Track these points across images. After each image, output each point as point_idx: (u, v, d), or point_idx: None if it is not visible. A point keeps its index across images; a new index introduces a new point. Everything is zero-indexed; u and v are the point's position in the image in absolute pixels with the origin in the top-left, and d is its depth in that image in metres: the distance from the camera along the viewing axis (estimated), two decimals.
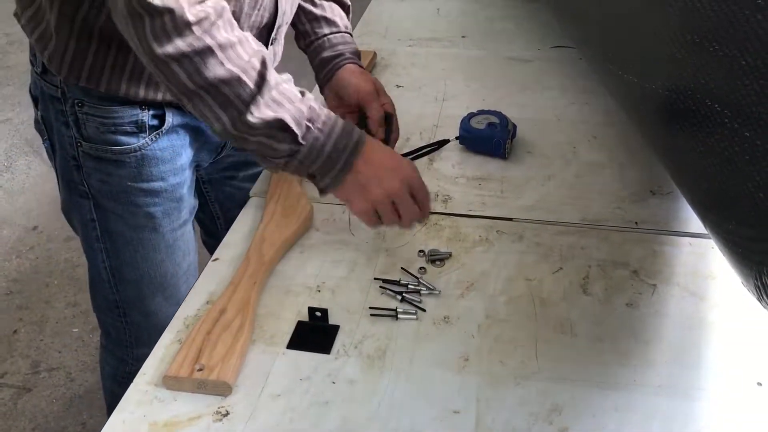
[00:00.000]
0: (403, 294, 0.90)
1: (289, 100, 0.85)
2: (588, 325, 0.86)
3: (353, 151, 0.88)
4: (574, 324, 0.86)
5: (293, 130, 0.84)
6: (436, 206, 1.06)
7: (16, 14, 0.99)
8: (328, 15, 1.14)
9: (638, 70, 0.84)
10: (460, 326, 0.86)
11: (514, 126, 1.19)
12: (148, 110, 0.98)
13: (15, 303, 2.12)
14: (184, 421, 0.75)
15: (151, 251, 1.07)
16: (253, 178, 1.21)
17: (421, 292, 0.90)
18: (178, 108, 1.00)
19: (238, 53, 0.82)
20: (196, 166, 1.13)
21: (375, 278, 0.93)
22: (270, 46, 1.04)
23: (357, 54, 1.15)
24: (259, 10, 0.96)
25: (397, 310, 0.87)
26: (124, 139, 0.98)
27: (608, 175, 1.13)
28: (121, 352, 1.18)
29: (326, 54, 1.13)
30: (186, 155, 1.05)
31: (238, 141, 0.86)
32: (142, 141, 0.99)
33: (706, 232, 0.81)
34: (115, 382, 1.21)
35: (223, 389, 0.77)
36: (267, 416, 0.75)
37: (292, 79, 0.88)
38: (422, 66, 1.48)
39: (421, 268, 0.94)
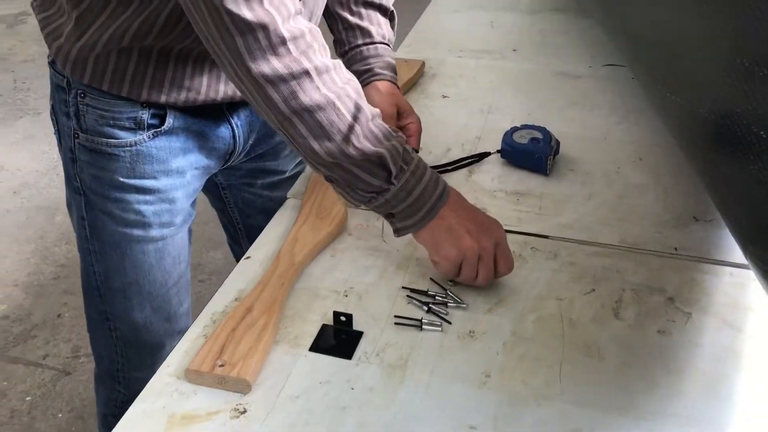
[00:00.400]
0: (430, 305, 0.89)
1: (385, 137, 0.84)
2: (617, 350, 0.83)
3: (439, 199, 0.88)
4: (603, 347, 0.84)
5: (390, 168, 0.84)
6: None
7: (31, 4, 1.01)
8: (364, 24, 1.12)
9: (687, 92, 0.82)
10: (484, 342, 0.85)
11: (558, 142, 1.17)
12: (149, 109, 0.97)
13: (61, 287, 2.18)
14: (202, 416, 0.76)
15: (139, 254, 1.04)
16: (271, 186, 1.21)
17: (448, 304, 0.90)
18: (182, 110, 0.99)
19: (333, 79, 0.81)
20: (213, 176, 1.13)
21: (403, 287, 0.92)
22: None
23: (391, 68, 1.12)
24: None
25: (422, 320, 0.87)
26: (121, 133, 0.97)
27: (651, 198, 1.10)
28: (111, 382, 1.15)
29: (356, 67, 1.11)
30: (184, 159, 1.03)
31: (328, 168, 0.85)
32: (138, 137, 0.98)
33: (747, 262, 0.78)
34: (109, 413, 1.19)
35: (242, 387, 0.77)
36: (284, 417, 0.75)
37: (381, 114, 0.88)
38: (470, 77, 1.47)
39: (450, 280, 0.93)
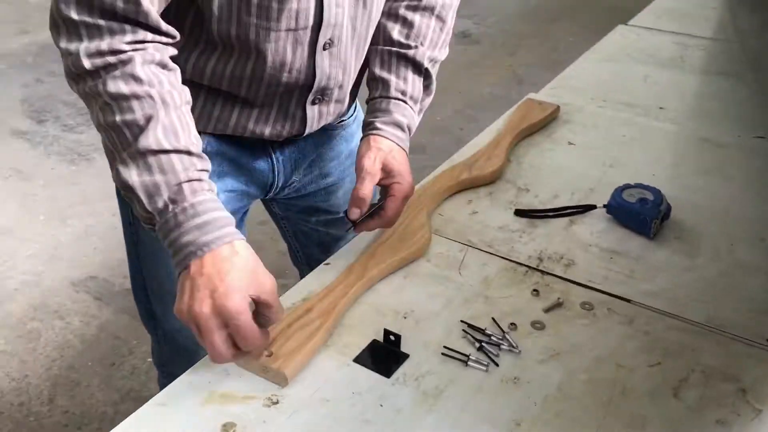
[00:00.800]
0: (483, 343, 0.89)
1: (161, 171, 0.78)
2: (662, 430, 0.79)
3: (195, 251, 0.78)
4: (649, 424, 0.79)
5: (142, 201, 0.79)
6: (555, 268, 1.03)
7: None
8: (386, 76, 1.04)
9: None
10: (526, 390, 0.83)
11: (669, 207, 1.12)
12: None
13: None
14: (239, 398, 0.81)
15: (172, 267, 1.03)
16: (327, 224, 1.22)
17: (501, 346, 0.89)
18: (218, 137, 1.01)
19: (132, 106, 0.78)
20: (267, 201, 1.14)
21: (462, 320, 0.93)
22: (313, 106, 1.01)
23: (396, 125, 1.02)
24: (290, 73, 0.94)
25: (470, 356, 0.87)
26: None
27: (758, 283, 1.02)
28: (158, 370, 1.22)
29: (365, 118, 1.07)
30: (220, 183, 1.02)
31: (123, 188, 0.81)
32: None
33: None
34: None
35: (280, 379, 0.82)
36: (309, 416, 0.79)
37: (201, 155, 0.82)
38: (603, 128, 1.44)
39: (511, 323, 0.93)
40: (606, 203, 1.14)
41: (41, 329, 2.09)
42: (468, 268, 1.03)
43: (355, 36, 0.98)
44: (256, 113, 0.99)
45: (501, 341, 0.89)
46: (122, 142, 0.79)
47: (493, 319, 0.93)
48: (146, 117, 0.78)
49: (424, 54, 1.05)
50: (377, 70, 1.05)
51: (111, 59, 0.78)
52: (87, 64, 0.78)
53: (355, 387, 0.83)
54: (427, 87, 1.07)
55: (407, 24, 1.05)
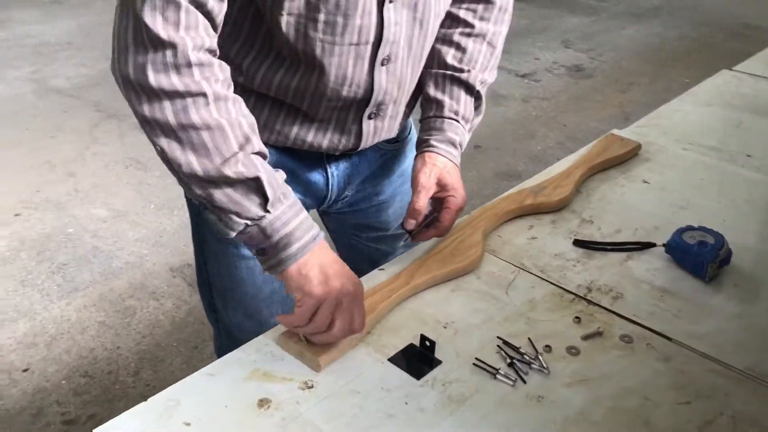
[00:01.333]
0: (515, 360, 0.92)
1: (267, 170, 0.86)
2: None
3: (313, 239, 0.89)
4: None
5: (266, 194, 0.85)
6: (602, 299, 1.05)
7: None
8: (441, 97, 1.11)
9: None
10: (548, 410, 0.86)
11: (730, 252, 1.11)
12: None
13: None
14: (278, 378, 0.89)
15: (232, 267, 1.12)
16: (376, 240, 1.26)
17: (532, 365, 0.92)
18: (278, 149, 1.06)
19: (229, 108, 0.84)
20: (321, 213, 1.19)
21: (498, 336, 0.97)
22: (369, 120, 1.06)
23: (450, 143, 1.09)
24: (350, 86, 1.00)
25: (499, 370, 0.91)
26: None
27: None
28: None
29: (419, 136, 1.13)
30: None
31: (202, 187, 0.85)
32: None
33: None
34: None
35: (314, 365, 0.89)
36: (338, 403, 0.85)
37: (282, 175, 0.90)
38: (682, 170, 1.43)
39: (546, 346, 0.96)
40: (665, 242, 1.15)
41: (137, 307, 2.27)
42: (516, 289, 1.07)
43: (411, 54, 1.04)
44: (316, 126, 1.05)
45: (533, 360, 0.93)
46: (226, 142, 0.84)
47: (529, 339, 0.96)
48: (249, 123, 0.87)
49: (476, 77, 1.12)
50: (432, 92, 1.11)
51: (215, 61, 0.85)
52: (194, 58, 0.82)
53: (385, 384, 0.89)
54: (477, 107, 1.14)
55: (461, 49, 1.12)
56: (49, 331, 2.15)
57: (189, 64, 0.82)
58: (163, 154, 0.85)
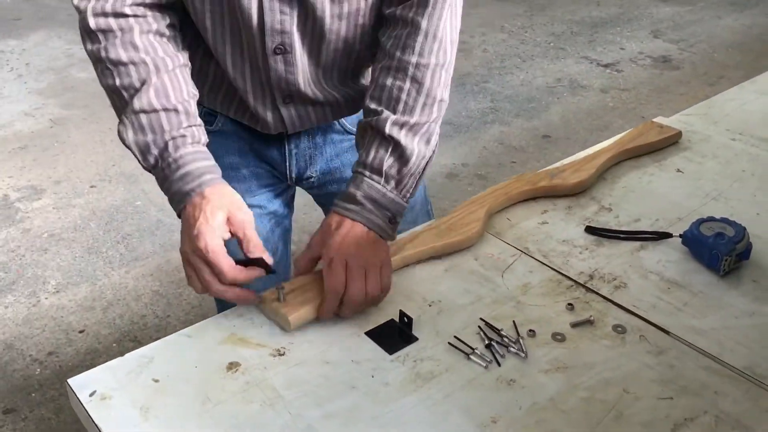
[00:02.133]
0: (493, 342, 0.90)
1: (152, 130, 0.93)
2: None
3: (181, 200, 0.94)
4: None
5: (138, 158, 0.94)
6: (603, 288, 1.01)
7: None
8: (359, 148, 1.02)
9: None
10: (517, 394, 0.83)
11: (750, 245, 1.03)
12: (203, 107, 1.12)
13: None
14: (252, 344, 0.90)
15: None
16: None
17: (510, 349, 0.89)
18: (230, 119, 1.12)
19: (129, 71, 0.93)
20: (298, 179, 1.20)
21: (481, 318, 0.94)
22: (286, 106, 1.07)
23: (350, 198, 0.96)
24: (244, 72, 1.04)
25: (475, 350, 0.89)
26: None
27: None
28: None
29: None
30: (239, 158, 1.14)
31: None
32: None
33: None
34: None
35: (285, 324, 0.91)
36: (307, 371, 0.86)
37: (189, 113, 0.95)
38: (724, 160, 1.34)
39: (530, 330, 0.93)
40: (682, 233, 1.08)
41: None
42: (513, 272, 1.04)
43: (306, 47, 1.02)
44: (251, 107, 1.08)
45: (512, 344, 0.90)
46: (120, 104, 0.94)
47: (513, 322, 0.94)
48: (140, 81, 0.92)
49: (388, 120, 0.96)
50: (357, 138, 1.03)
51: (113, 24, 0.93)
52: (92, 23, 0.92)
53: (357, 356, 0.89)
54: (399, 156, 0.96)
55: (378, 87, 0.99)
56: (107, 296, 2.26)
57: (89, 31, 0.94)
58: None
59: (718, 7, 5.14)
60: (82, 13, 0.94)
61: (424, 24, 0.96)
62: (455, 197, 2.73)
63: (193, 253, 0.90)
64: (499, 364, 0.88)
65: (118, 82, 0.93)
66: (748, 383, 0.85)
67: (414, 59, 0.97)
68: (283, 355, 0.89)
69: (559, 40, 4.47)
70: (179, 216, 0.95)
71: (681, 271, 1.05)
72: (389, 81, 0.97)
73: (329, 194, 1.23)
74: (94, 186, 2.87)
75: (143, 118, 0.92)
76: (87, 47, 0.95)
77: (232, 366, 0.87)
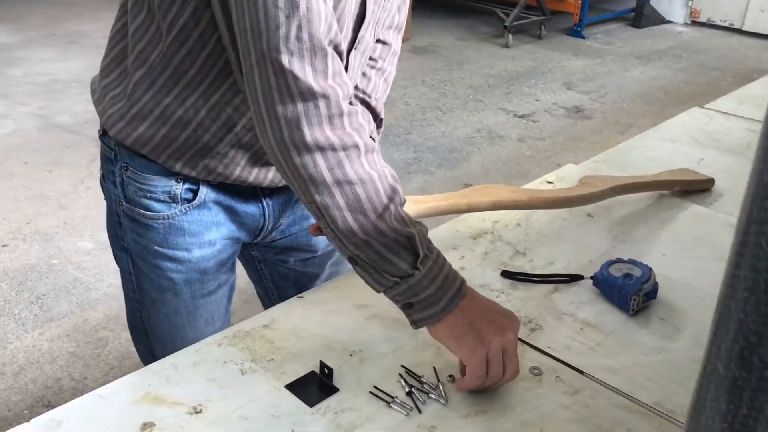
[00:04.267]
0: (413, 389, 0.90)
1: (413, 222, 0.86)
2: None
3: (458, 290, 0.88)
4: None
5: (418, 251, 0.85)
6: (520, 331, 1.03)
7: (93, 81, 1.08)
8: None
9: None
10: None
11: (656, 285, 1.08)
12: (183, 183, 1.04)
13: None
14: (168, 402, 0.88)
15: (172, 314, 1.12)
16: (305, 263, 1.25)
17: (431, 395, 0.90)
18: (214, 186, 1.05)
19: (375, 159, 0.86)
20: (245, 245, 1.18)
21: (402, 365, 0.95)
22: None
23: None
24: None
25: (395, 399, 0.89)
26: (156, 205, 1.04)
27: None
28: None
29: None
30: (217, 232, 1.09)
31: (356, 246, 0.85)
32: (172, 210, 1.05)
33: None
34: None
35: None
36: (225, 428, 0.84)
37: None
38: (630, 205, 1.40)
39: (450, 375, 0.93)
40: (593, 275, 1.13)
41: (109, 338, 2.27)
42: None
43: None
44: (261, 162, 1.05)
45: (432, 390, 0.91)
46: (377, 194, 0.85)
47: (434, 368, 0.94)
48: (391, 173, 0.88)
49: (379, 106, 1.13)
50: None
51: (359, 108, 0.88)
52: (345, 108, 0.83)
53: (276, 411, 0.87)
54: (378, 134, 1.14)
55: (366, 77, 1.12)
56: (19, 360, 2.16)
57: (341, 114, 0.82)
58: (317, 210, 0.84)
59: (625, 61, 5.44)
60: (332, 98, 0.83)
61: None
62: None
63: (515, 338, 0.88)
64: (420, 411, 0.88)
65: (368, 168, 0.86)
66: (659, 419, 0.88)
67: (387, 67, 1.14)
68: (200, 412, 0.86)
69: (478, 92, 4.62)
70: (447, 312, 0.88)
71: (593, 311, 1.08)
72: (374, 75, 1.11)
73: (283, 239, 1.20)
74: (6, 245, 2.76)
75: (402, 209, 0.87)
76: (328, 135, 0.83)
77: (146, 426, 0.84)
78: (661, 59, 5.52)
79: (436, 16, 6.33)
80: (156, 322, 1.16)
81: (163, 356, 1.15)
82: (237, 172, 1.04)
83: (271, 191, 1.13)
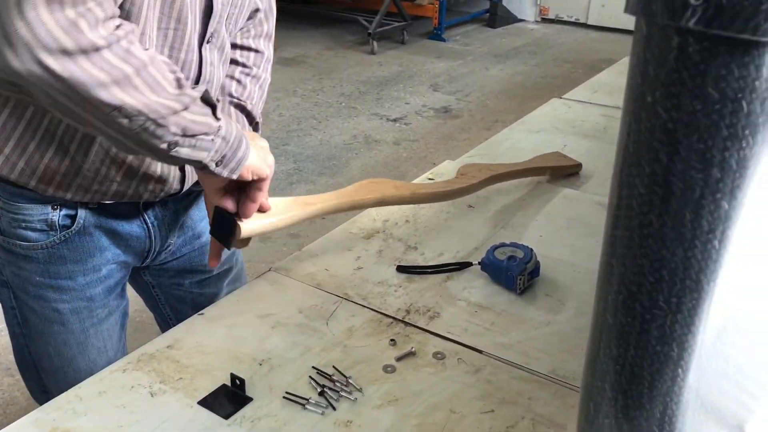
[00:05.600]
0: (325, 388, 0.93)
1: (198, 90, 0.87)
2: None
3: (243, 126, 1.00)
4: None
5: (214, 102, 0.87)
6: (419, 320, 1.08)
7: None
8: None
9: None
10: None
11: (538, 264, 1.17)
12: (60, 209, 1.00)
13: None
14: None
15: (61, 345, 1.08)
16: (201, 284, 1.23)
17: (342, 393, 0.93)
18: (92, 210, 1.02)
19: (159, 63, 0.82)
20: (138, 270, 1.16)
21: (313, 367, 0.97)
22: None
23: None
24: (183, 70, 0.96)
25: (309, 400, 0.91)
26: (33, 235, 1.00)
27: None
28: None
29: None
30: (101, 257, 1.06)
31: (168, 125, 0.82)
32: (51, 239, 1.01)
33: None
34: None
35: (238, 232, 1.00)
36: None
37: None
38: (505, 192, 1.50)
39: (358, 370, 0.97)
40: (480, 260, 1.20)
41: None
42: (336, 319, 1.08)
43: (218, 92, 1.10)
44: (140, 174, 1.02)
45: (344, 387, 0.94)
46: (162, 72, 0.81)
47: (334, 367, 0.97)
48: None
49: (255, 111, 1.18)
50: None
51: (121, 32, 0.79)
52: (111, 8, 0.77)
53: (192, 428, 0.87)
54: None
55: (242, 84, 1.17)
56: None
57: (114, 15, 0.77)
58: (126, 113, 0.78)
59: (485, 60, 5.69)
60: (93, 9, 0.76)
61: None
62: (270, 259, 2.74)
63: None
64: (334, 408, 0.91)
65: (152, 51, 0.82)
66: (555, 385, 0.96)
67: (262, 74, 1.18)
68: None
69: (350, 99, 4.69)
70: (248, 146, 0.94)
71: (484, 294, 1.15)
72: (249, 83, 1.16)
73: (175, 261, 1.18)
74: None
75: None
76: (101, 34, 0.76)
77: None
78: (518, 56, 5.82)
79: (301, 27, 6.36)
80: (45, 355, 1.12)
81: (58, 392, 1.11)
82: (114, 187, 1.01)
83: (153, 209, 1.10)
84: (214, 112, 0.87)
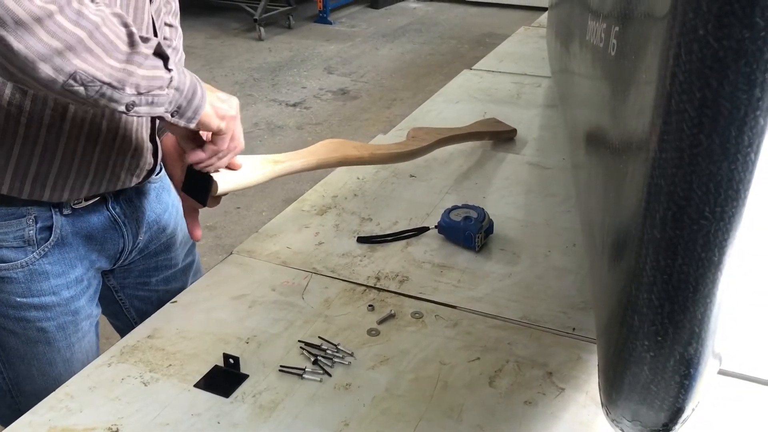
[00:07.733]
0: (318, 357, 0.96)
1: (144, 36, 0.83)
2: (477, 414, 0.87)
3: (194, 73, 0.91)
4: (465, 410, 0.88)
5: (166, 53, 0.83)
6: (391, 285, 1.12)
7: None
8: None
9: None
10: (357, 395, 0.90)
11: (491, 222, 1.23)
12: (36, 223, 0.96)
13: None
14: (80, 431, 0.84)
15: (46, 366, 1.05)
16: (167, 280, 1.21)
17: (335, 359, 0.96)
18: (67, 216, 0.99)
19: (101, 9, 0.78)
20: (104, 273, 1.13)
21: (299, 340, 0.99)
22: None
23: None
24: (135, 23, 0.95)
25: (306, 369, 0.93)
26: (10, 254, 0.96)
27: (570, 281, 1.14)
28: None
29: None
30: (82, 266, 1.03)
31: (122, 86, 0.79)
32: (29, 256, 0.97)
33: None
34: None
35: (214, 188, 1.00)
36: None
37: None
38: (443, 161, 1.56)
39: (346, 337, 1.00)
40: (436, 224, 1.25)
41: None
42: (311, 293, 1.11)
43: None
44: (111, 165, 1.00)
45: (335, 354, 0.97)
46: (116, 30, 0.78)
47: (320, 337, 1.00)
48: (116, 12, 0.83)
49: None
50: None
51: None
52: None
53: (194, 409, 0.88)
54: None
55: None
56: None
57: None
58: (81, 80, 0.74)
59: (374, 40, 5.76)
60: None
61: None
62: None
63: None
64: (330, 375, 0.93)
65: (104, 9, 0.78)
66: (529, 329, 1.03)
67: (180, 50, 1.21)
68: (117, 431, 0.84)
69: (245, 87, 4.63)
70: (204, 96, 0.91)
71: (445, 255, 1.21)
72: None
73: (142, 259, 1.15)
74: None
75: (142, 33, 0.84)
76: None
77: None
78: (405, 35, 5.92)
79: (182, 17, 6.18)
80: (27, 378, 1.06)
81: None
82: (92, 171, 0.97)
83: (120, 205, 1.07)
84: (165, 65, 0.83)
